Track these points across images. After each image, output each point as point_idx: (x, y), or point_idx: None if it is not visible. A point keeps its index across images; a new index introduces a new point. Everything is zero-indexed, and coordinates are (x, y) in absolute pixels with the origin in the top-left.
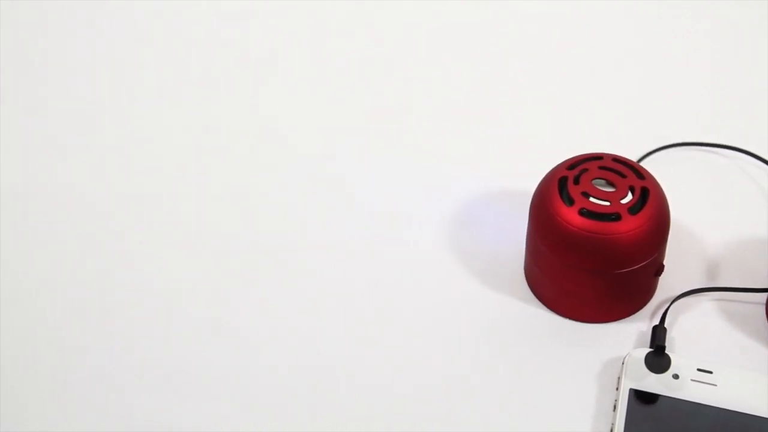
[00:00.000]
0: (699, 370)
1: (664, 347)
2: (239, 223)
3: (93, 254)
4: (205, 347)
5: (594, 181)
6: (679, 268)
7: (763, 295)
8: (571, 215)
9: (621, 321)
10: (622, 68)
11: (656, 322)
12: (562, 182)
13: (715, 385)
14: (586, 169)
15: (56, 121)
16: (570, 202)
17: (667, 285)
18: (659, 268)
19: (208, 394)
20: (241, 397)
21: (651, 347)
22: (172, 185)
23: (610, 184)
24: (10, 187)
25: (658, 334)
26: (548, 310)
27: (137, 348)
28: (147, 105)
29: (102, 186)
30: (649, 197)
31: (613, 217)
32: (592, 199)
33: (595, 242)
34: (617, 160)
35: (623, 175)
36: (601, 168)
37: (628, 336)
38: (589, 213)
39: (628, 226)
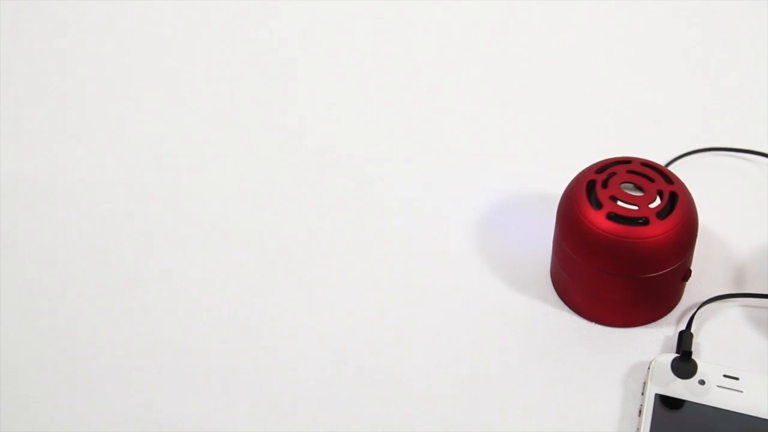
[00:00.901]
0: (725, 376)
1: (690, 353)
2: (264, 222)
3: (116, 252)
4: (232, 345)
5: (622, 185)
6: (706, 273)
7: None
8: (598, 219)
9: (647, 326)
10: (651, 72)
11: (683, 327)
12: (591, 186)
13: (742, 392)
14: (614, 173)
15: (82, 119)
16: (598, 205)
17: (694, 290)
18: (686, 273)
19: (231, 393)
20: (264, 395)
21: (677, 352)
22: (197, 183)
23: (639, 188)
24: (36, 183)
25: (685, 340)
26: (574, 313)
27: (158, 345)
28: (174, 103)
29: (126, 183)
30: (677, 202)
31: (641, 221)
32: (620, 203)
33: (622, 246)
34: (646, 164)
35: (652, 180)
36: (630, 172)
37: (654, 341)
38: (617, 217)
39: (656, 230)
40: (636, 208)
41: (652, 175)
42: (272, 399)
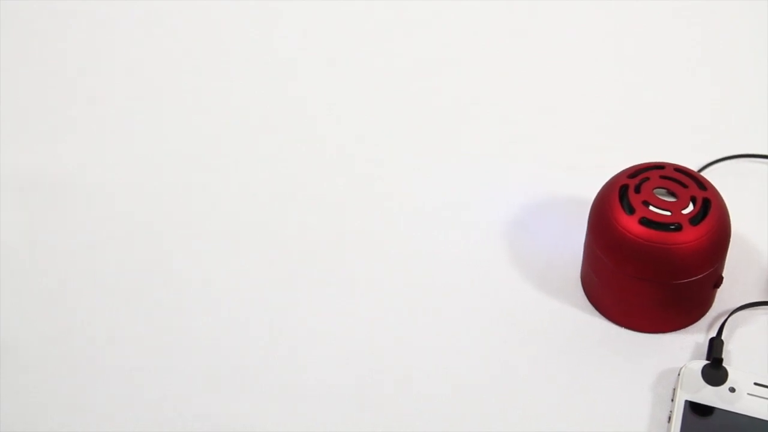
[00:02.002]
0: (756, 384)
1: (721, 360)
2: (290, 223)
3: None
4: (258, 347)
5: (655, 191)
6: (737, 280)
7: None
8: (631, 224)
9: (677, 332)
10: (686, 77)
11: (713, 334)
12: (623, 190)
13: None
14: (647, 178)
15: (115, 120)
16: (630, 210)
17: (725, 297)
18: (718, 280)
19: (258, 393)
20: (291, 396)
21: (708, 359)
22: (225, 185)
23: (672, 193)
24: (68, 180)
25: (716, 347)
26: (604, 318)
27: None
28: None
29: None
30: (710, 208)
31: (673, 227)
32: (652, 209)
33: (654, 252)
34: (679, 169)
35: (685, 186)
36: (663, 177)
37: (684, 347)
38: (649, 222)
39: (689, 236)
40: (669, 213)
41: (685, 181)
42: (300, 399)
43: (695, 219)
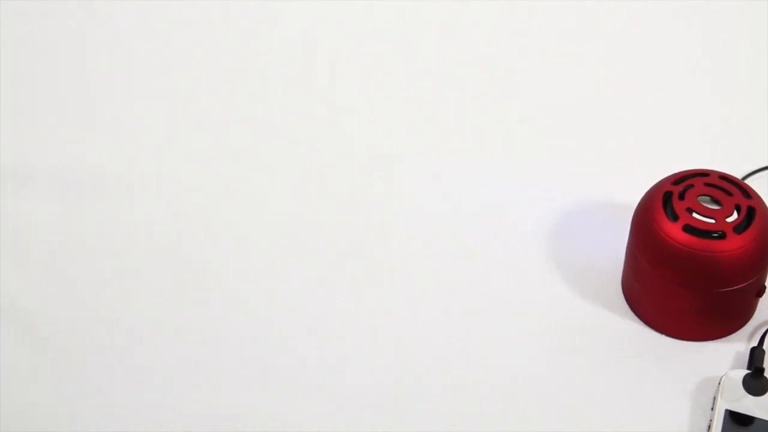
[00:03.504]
0: None
1: (762, 369)
2: (333, 222)
3: (189, 252)
4: (300, 345)
5: (699, 198)
6: None
7: None
8: (674, 231)
9: (718, 340)
10: (731, 84)
11: (755, 343)
12: (667, 197)
13: None
14: (691, 185)
15: (158, 119)
16: (674, 217)
17: (767, 307)
18: (761, 289)
19: (300, 391)
20: (331, 394)
21: (749, 369)
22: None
23: (716, 201)
24: (114, 180)
25: (757, 356)
26: (644, 325)
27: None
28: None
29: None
30: (755, 217)
31: (716, 234)
32: (696, 216)
33: (697, 259)
34: (724, 177)
35: (729, 193)
36: (707, 185)
37: (725, 356)
38: (693, 229)
39: (733, 245)
40: (713, 221)
41: (730, 189)
42: (341, 397)
43: (739, 227)
